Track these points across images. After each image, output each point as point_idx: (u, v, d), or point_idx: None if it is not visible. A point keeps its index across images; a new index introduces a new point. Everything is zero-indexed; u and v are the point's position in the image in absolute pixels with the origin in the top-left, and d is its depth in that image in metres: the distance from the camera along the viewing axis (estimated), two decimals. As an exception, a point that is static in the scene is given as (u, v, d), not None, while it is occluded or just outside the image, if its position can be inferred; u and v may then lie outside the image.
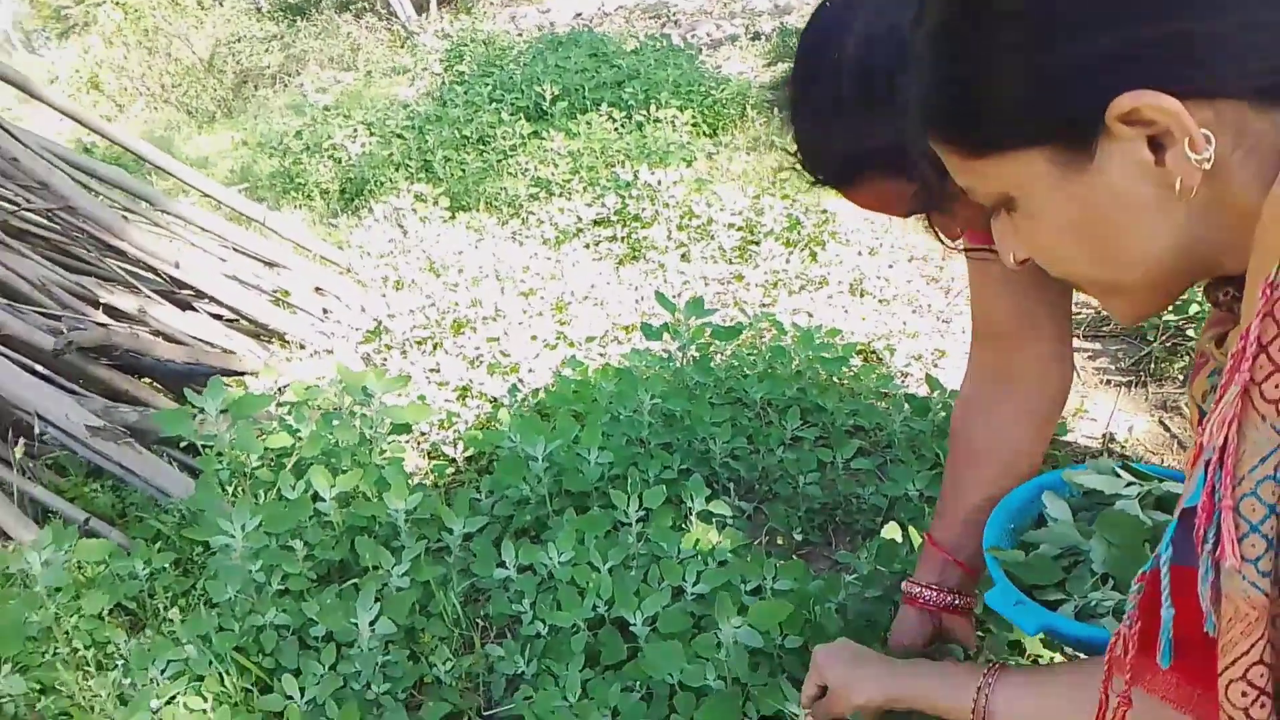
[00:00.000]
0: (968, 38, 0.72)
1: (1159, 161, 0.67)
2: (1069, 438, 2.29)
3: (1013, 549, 1.21)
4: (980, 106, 0.72)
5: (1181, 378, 2.54)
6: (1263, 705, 0.64)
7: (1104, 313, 2.99)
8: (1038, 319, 1.29)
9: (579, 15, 10.63)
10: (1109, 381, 2.62)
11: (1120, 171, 0.68)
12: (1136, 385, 2.58)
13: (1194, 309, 2.59)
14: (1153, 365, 2.63)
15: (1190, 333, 2.60)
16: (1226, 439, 0.62)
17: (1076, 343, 2.87)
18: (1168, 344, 2.66)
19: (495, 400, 2.69)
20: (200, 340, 2.98)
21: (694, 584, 1.64)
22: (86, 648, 1.80)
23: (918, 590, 1.36)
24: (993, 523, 1.24)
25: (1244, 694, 0.64)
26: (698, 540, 1.76)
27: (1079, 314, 3.03)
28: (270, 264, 3.52)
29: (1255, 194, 0.65)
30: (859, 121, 1.03)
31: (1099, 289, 0.80)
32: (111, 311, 2.91)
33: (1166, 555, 0.71)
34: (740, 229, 3.74)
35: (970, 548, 1.33)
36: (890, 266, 3.43)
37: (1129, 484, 1.18)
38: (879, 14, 1.01)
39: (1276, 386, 0.60)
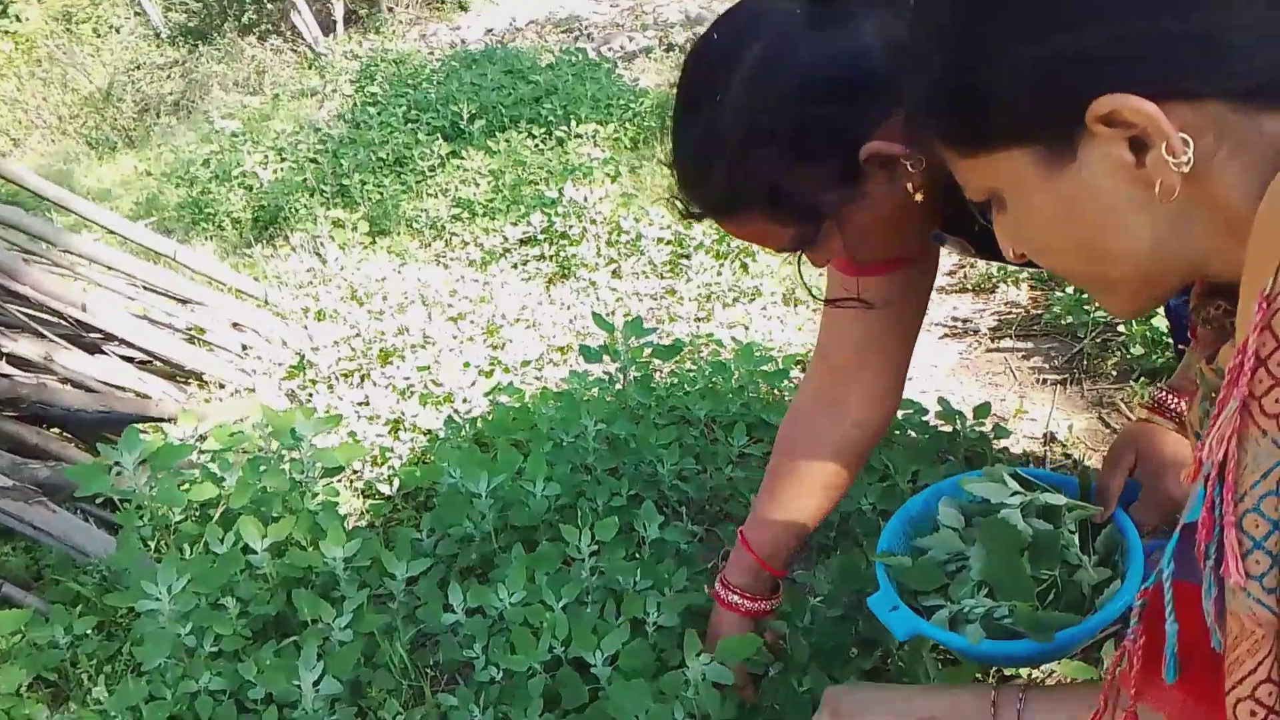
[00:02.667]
0: (956, 37, 0.72)
1: (1140, 163, 0.66)
2: (1010, 440, 2.30)
3: (908, 553, 1.25)
4: (968, 104, 0.73)
5: (1115, 373, 2.57)
6: None
7: (1035, 311, 3.03)
8: (874, 359, 1.38)
9: (490, 31, 10.53)
10: (1044, 381, 2.64)
11: (1102, 171, 0.68)
12: (1071, 383, 2.61)
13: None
14: (1085, 362, 2.66)
15: (1120, 328, 2.63)
16: (1226, 454, 0.61)
17: (1010, 342, 2.91)
18: (1099, 340, 2.70)
19: (430, 432, 2.60)
20: (112, 385, 2.83)
21: (655, 617, 1.58)
22: (3, 729, 1.67)
23: (735, 599, 1.45)
24: (890, 527, 1.27)
25: (1252, 713, 0.62)
26: (654, 570, 1.71)
27: (1009, 314, 3.06)
28: (183, 300, 3.37)
29: (1239, 196, 0.65)
30: (738, 161, 1.00)
31: (1089, 284, 0.81)
32: (15, 360, 2.75)
33: (1169, 571, 0.70)
34: (670, 243, 3.71)
35: (782, 555, 1.45)
36: (821, 275, 3.42)
37: (1014, 493, 1.19)
38: (773, 47, 0.97)
39: (1277, 401, 0.58)
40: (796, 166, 0.98)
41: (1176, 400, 1.25)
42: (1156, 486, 1.23)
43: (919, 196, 0.98)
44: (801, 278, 1.26)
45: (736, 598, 1.46)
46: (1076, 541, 1.16)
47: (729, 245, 3.66)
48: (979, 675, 1.53)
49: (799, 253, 1.12)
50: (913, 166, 0.96)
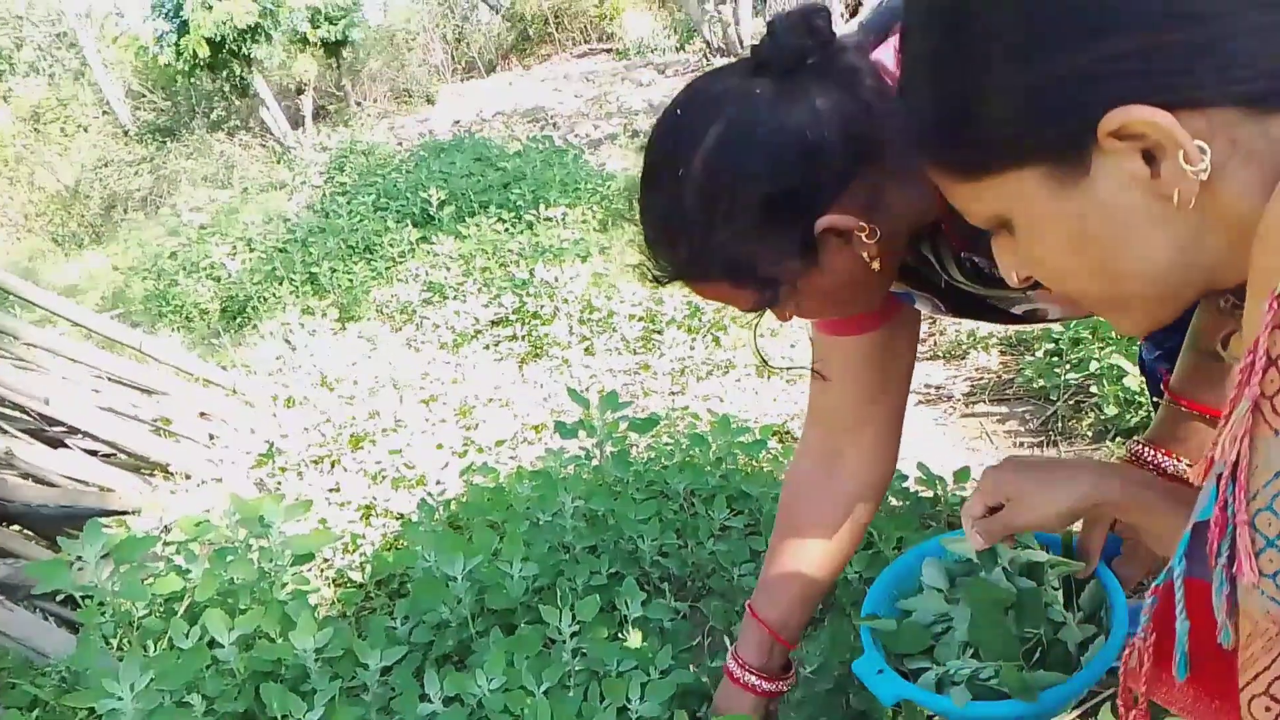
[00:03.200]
0: (952, 60, 0.71)
1: (1154, 174, 0.66)
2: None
3: (894, 615, 1.23)
4: (970, 128, 0.71)
5: (1090, 434, 2.57)
6: None
7: (1006, 376, 3.04)
8: (872, 412, 1.36)
9: (458, 122, 10.71)
10: (1021, 443, 2.64)
11: (1115, 186, 0.67)
12: (1048, 445, 2.60)
13: (1094, 366, 2.65)
14: (1060, 424, 2.66)
15: (1093, 389, 2.65)
16: (1239, 454, 0.61)
17: (984, 407, 2.91)
18: (1071, 402, 2.71)
19: (403, 517, 2.55)
20: (75, 480, 2.76)
21: (640, 702, 1.52)
22: (-49, 847, 1.57)
23: (752, 680, 1.41)
24: (875, 589, 1.26)
25: (1267, 709, 0.61)
26: (638, 650, 1.65)
27: (982, 379, 3.07)
28: (149, 391, 3.32)
29: (1250, 202, 0.65)
30: (698, 235, 1.02)
31: (1102, 304, 0.79)
32: (-27, 456, 2.68)
33: (1180, 569, 0.70)
34: (642, 319, 3.71)
35: (793, 626, 1.42)
36: (793, 346, 3.44)
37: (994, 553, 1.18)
38: (733, 126, 0.99)
39: None
40: (754, 240, 1.01)
41: (1154, 452, 1.24)
42: (1138, 541, 1.20)
43: (876, 265, 1.02)
44: (757, 349, 1.28)
45: (753, 678, 1.40)
46: (1060, 599, 1.15)
47: (701, 320, 3.67)
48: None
49: (760, 316, 1.14)
50: (867, 237, 0.99)
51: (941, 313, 1.26)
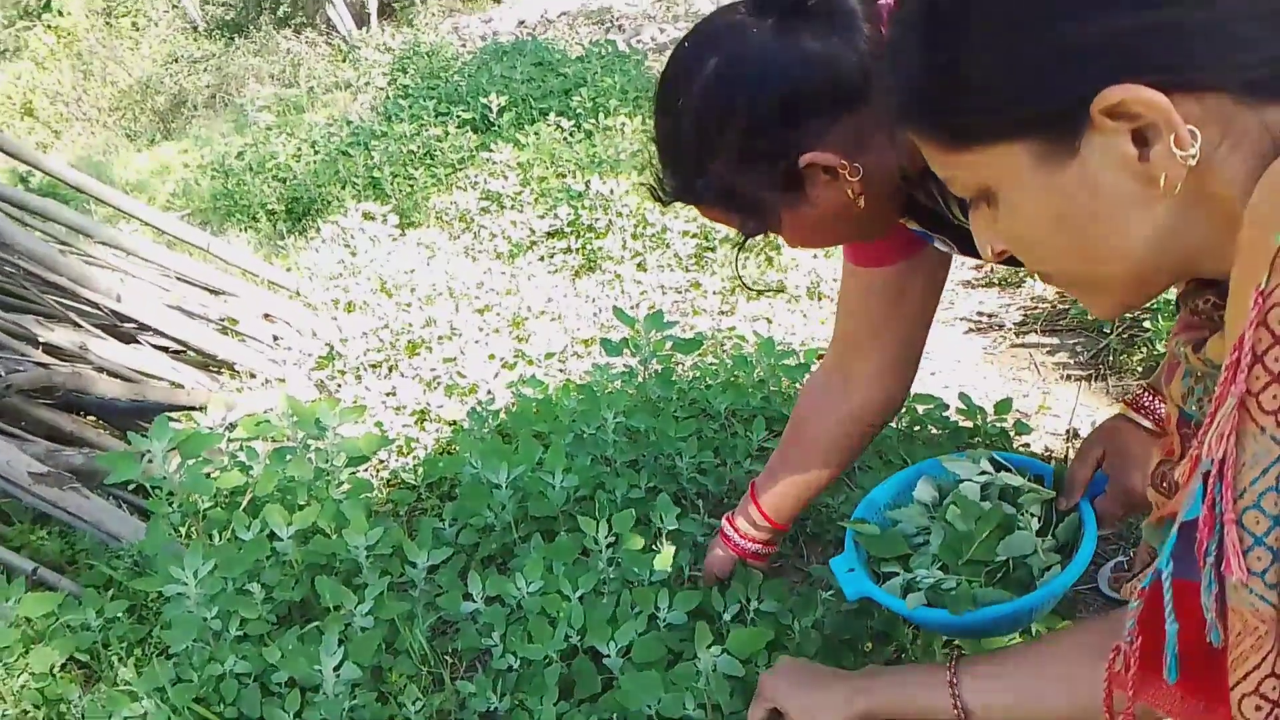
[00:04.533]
0: (949, 27, 0.70)
1: (1143, 156, 0.65)
2: (1032, 436, 2.29)
3: (881, 523, 1.35)
4: (961, 97, 0.71)
5: (1141, 369, 2.55)
6: (1276, 718, 0.63)
7: (1061, 306, 3.01)
8: (884, 337, 1.43)
9: (522, 23, 10.57)
10: (1069, 376, 2.63)
11: (1102, 165, 0.67)
12: (1096, 379, 2.59)
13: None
14: (1111, 358, 2.64)
15: (1146, 324, 2.61)
16: (1225, 452, 0.61)
17: (1035, 337, 2.89)
18: (1125, 336, 2.68)
19: (455, 423, 2.63)
20: (146, 374, 2.89)
21: (669, 610, 1.60)
22: (37, 707, 1.72)
23: (733, 535, 1.64)
24: (871, 498, 1.40)
25: (1257, 708, 0.63)
26: (669, 562, 1.72)
27: (1036, 309, 3.04)
28: (216, 291, 3.43)
29: (1238, 190, 0.64)
30: (694, 164, 1.10)
31: (1077, 284, 0.79)
32: (51, 349, 2.81)
33: (1168, 570, 0.70)
34: (695, 236, 3.71)
35: (785, 511, 1.60)
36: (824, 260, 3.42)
37: (981, 473, 1.30)
38: (728, 60, 1.05)
39: (1274, 397, 0.59)
40: (744, 171, 1.08)
41: (1153, 398, 1.26)
42: (1121, 481, 1.26)
43: (861, 202, 1.08)
44: (737, 270, 1.40)
45: (736, 536, 1.64)
46: (1036, 525, 1.23)
47: (755, 240, 3.66)
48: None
49: (744, 240, 1.22)
50: (850, 175, 1.06)
51: (954, 251, 1.28)
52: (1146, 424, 1.26)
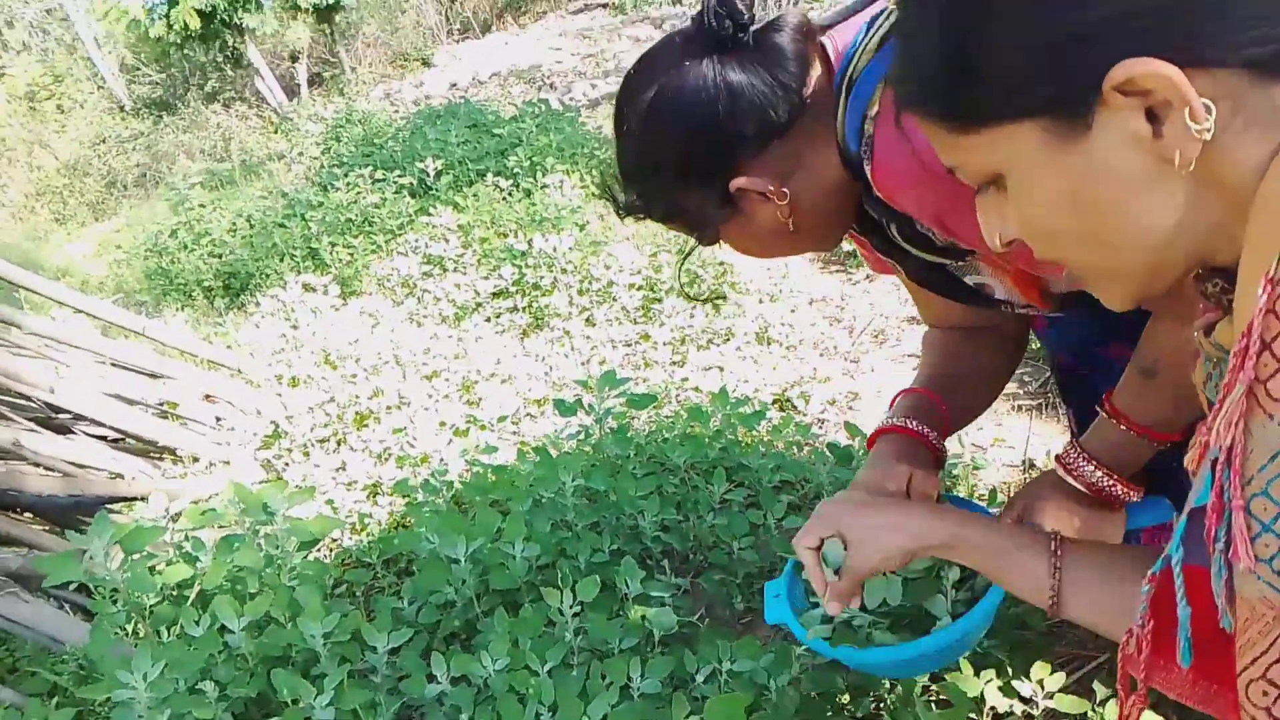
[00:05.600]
0: (962, 7, 0.69)
1: (1156, 133, 0.64)
2: (989, 470, 2.29)
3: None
4: (972, 78, 0.69)
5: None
6: None
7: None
8: (992, 317, 1.40)
9: (454, 85, 10.62)
10: (1020, 407, 2.65)
11: (1116, 145, 0.66)
12: (1046, 408, 2.61)
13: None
14: (1057, 388, 2.66)
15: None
16: (1233, 439, 0.61)
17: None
18: (1071, 362, 2.70)
19: (409, 496, 2.57)
20: (83, 466, 2.79)
21: (641, 679, 1.56)
22: (-23, 834, 1.62)
23: (904, 421, 1.35)
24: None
25: (1265, 693, 0.62)
26: (639, 625, 1.68)
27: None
28: (154, 375, 3.34)
29: (1251, 171, 0.63)
30: (638, 184, 1.22)
31: (1090, 271, 0.77)
32: (-18, 447, 2.71)
33: (1178, 556, 0.70)
34: (641, 288, 3.71)
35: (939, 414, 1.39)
36: (793, 311, 3.45)
37: None
38: (664, 90, 1.13)
39: None
40: (684, 190, 1.17)
41: (1078, 456, 1.26)
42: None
43: (791, 224, 1.17)
44: (679, 278, 1.42)
45: (905, 420, 1.37)
46: (955, 575, 1.24)
47: (700, 287, 3.67)
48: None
49: (690, 250, 1.34)
50: (779, 199, 1.14)
51: (908, 278, 1.28)
52: (1076, 485, 1.26)
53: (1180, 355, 1.07)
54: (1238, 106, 0.63)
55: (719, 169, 1.14)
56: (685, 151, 1.14)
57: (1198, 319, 0.79)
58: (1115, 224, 0.70)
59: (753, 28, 1.11)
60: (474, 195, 5.15)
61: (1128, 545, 1.16)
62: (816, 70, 1.12)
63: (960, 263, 1.21)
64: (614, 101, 1.22)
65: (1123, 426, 1.21)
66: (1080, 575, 0.97)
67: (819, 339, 3.24)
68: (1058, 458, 1.30)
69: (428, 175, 5.66)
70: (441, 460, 2.66)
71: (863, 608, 1.23)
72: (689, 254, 1.39)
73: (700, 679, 1.55)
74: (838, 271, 3.74)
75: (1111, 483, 1.24)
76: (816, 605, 1.28)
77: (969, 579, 1.25)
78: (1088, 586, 0.96)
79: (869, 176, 1.08)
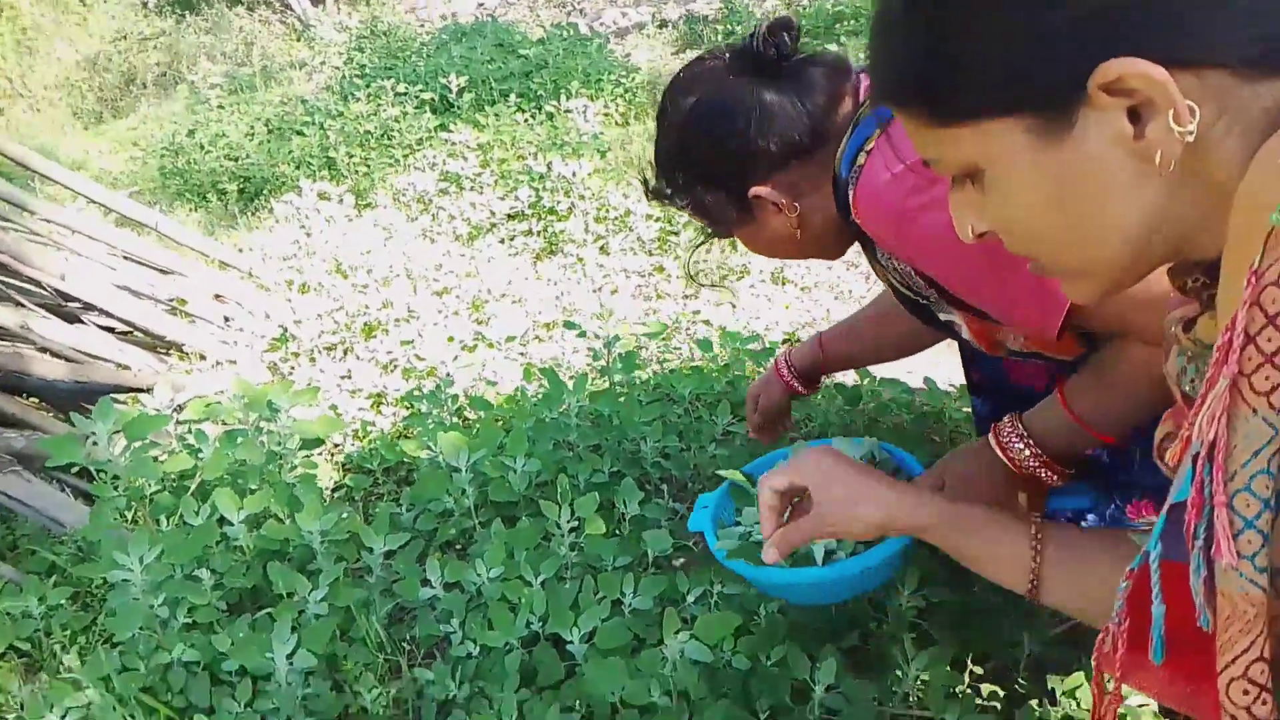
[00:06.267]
0: (944, 2, 0.67)
1: (1138, 134, 0.63)
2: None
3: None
4: (955, 71, 0.68)
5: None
6: (1264, 702, 0.62)
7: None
8: None
9: (482, 5, 10.43)
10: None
11: (1097, 143, 0.65)
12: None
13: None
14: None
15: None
16: (1216, 434, 0.60)
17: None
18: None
19: (413, 407, 2.58)
20: (90, 355, 2.79)
21: (633, 596, 1.57)
22: (-27, 699, 1.65)
23: (785, 366, 1.78)
24: (768, 459, 1.53)
25: (1245, 692, 0.62)
26: (634, 544, 1.69)
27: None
28: (165, 271, 3.33)
29: (1235, 169, 0.62)
30: (671, 177, 1.38)
31: (1062, 267, 0.76)
32: (-9, 329, 2.71)
33: (1156, 552, 0.69)
34: (659, 219, 3.67)
35: (837, 358, 1.77)
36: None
37: (860, 458, 1.43)
38: (702, 103, 1.30)
39: (1266, 378, 0.57)
40: (708, 190, 1.34)
41: (1012, 432, 1.30)
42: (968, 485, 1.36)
43: (798, 235, 1.33)
44: (688, 266, 1.57)
45: (786, 364, 1.78)
46: None
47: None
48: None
49: (703, 241, 1.52)
50: (789, 212, 1.30)
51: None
52: (1003, 459, 1.30)
53: (1141, 369, 1.12)
54: (1223, 105, 0.62)
55: (741, 176, 1.30)
56: (714, 156, 1.30)
57: (1174, 310, 0.78)
58: (1093, 221, 0.69)
59: (793, 58, 1.27)
60: (495, 115, 5.08)
61: (1107, 530, 1.15)
62: (846, 106, 1.26)
63: (934, 299, 1.26)
64: (659, 104, 1.37)
65: (1065, 411, 1.23)
66: (1060, 560, 0.97)
67: (835, 282, 3.22)
68: (994, 427, 1.33)
69: (450, 92, 5.58)
70: (448, 374, 2.65)
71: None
72: (701, 244, 1.54)
73: (691, 599, 1.56)
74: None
75: (1038, 464, 1.28)
76: (738, 524, 1.43)
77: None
78: (1068, 573, 0.97)
79: (850, 202, 1.17)
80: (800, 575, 1.28)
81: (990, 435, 1.32)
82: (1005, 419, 1.32)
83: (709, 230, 1.42)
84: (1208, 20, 0.60)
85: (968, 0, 0.66)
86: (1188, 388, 0.75)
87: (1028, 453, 1.28)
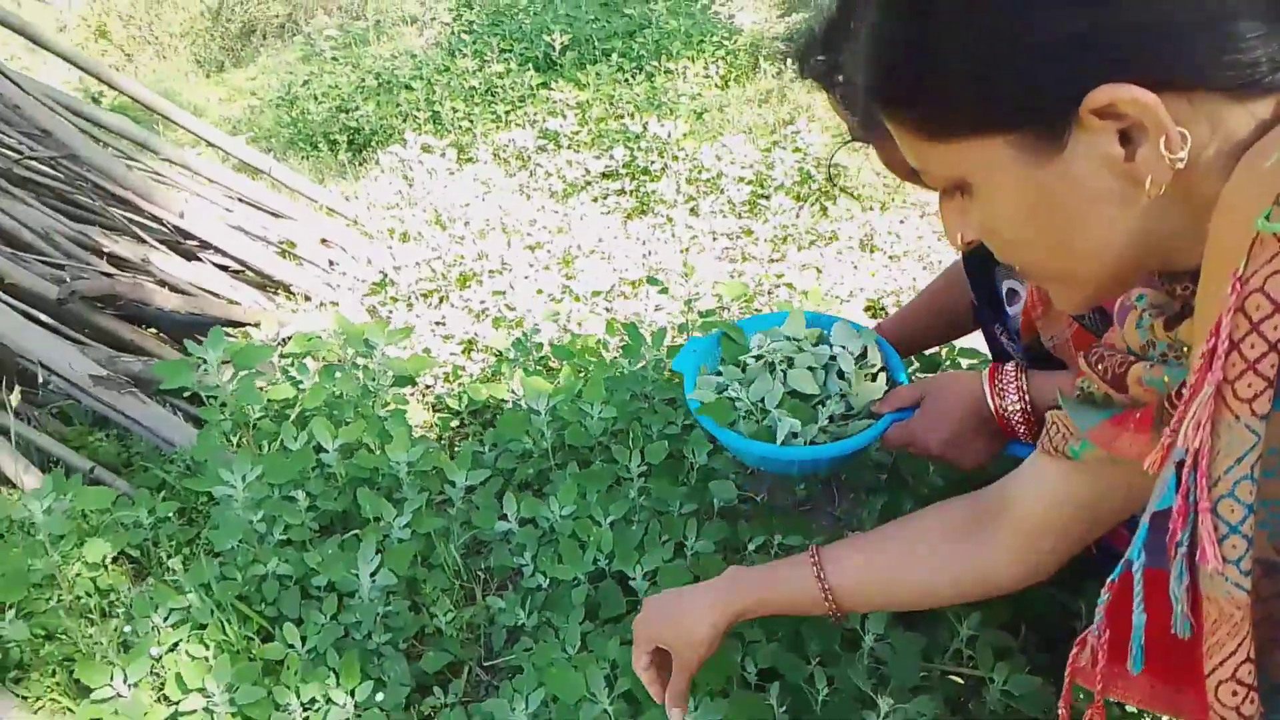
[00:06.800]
0: (935, 16, 0.67)
1: (1129, 156, 0.64)
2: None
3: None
4: (947, 90, 0.69)
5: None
6: (1251, 701, 0.63)
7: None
8: None
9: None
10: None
11: (1088, 165, 0.65)
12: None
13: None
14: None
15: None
16: (1201, 441, 0.60)
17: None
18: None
19: (501, 354, 2.67)
20: (205, 290, 2.97)
21: (696, 540, 1.63)
22: (89, 595, 1.81)
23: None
24: (769, 321, 1.66)
25: (1234, 693, 0.63)
26: (701, 492, 1.75)
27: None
28: (276, 215, 3.49)
29: (1220, 189, 0.62)
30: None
31: (1048, 276, 0.77)
32: (116, 261, 2.90)
33: (1140, 562, 0.69)
34: (750, 182, 3.69)
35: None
36: (901, 222, 3.39)
37: (859, 350, 1.58)
38: None
39: (1249, 385, 0.58)
40: None
41: (1015, 379, 1.31)
42: (916, 427, 1.42)
43: None
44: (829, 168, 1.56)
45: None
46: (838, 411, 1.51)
47: (809, 188, 3.63)
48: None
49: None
50: None
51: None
52: (989, 401, 1.31)
53: None
54: (1215, 128, 0.61)
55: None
56: None
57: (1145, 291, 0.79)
58: (1079, 238, 0.69)
59: None
60: (596, 74, 5.13)
61: (875, 531, 1.20)
62: None
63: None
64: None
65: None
66: (842, 573, 1.08)
67: (924, 252, 3.19)
68: (991, 368, 1.33)
69: (553, 50, 5.65)
70: (536, 325, 2.74)
71: None
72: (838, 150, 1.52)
73: (752, 548, 1.61)
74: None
75: (1020, 419, 1.29)
76: (719, 374, 1.56)
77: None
78: (854, 582, 1.08)
79: None
80: (764, 449, 1.46)
81: (986, 376, 1.33)
82: (1009, 365, 1.32)
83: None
84: (1198, 44, 0.60)
85: (958, 20, 0.66)
86: (1151, 379, 0.76)
87: (1017, 406, 1.29)
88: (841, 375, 1.55)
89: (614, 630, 1.55)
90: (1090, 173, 0.66)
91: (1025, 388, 1.29)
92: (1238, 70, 0.60)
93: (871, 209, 3.47)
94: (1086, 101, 0.62)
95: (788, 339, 1.61)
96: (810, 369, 1.55)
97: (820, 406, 1.51)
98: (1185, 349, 0.74)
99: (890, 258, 3.18)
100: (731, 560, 1.57)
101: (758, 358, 1.59)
